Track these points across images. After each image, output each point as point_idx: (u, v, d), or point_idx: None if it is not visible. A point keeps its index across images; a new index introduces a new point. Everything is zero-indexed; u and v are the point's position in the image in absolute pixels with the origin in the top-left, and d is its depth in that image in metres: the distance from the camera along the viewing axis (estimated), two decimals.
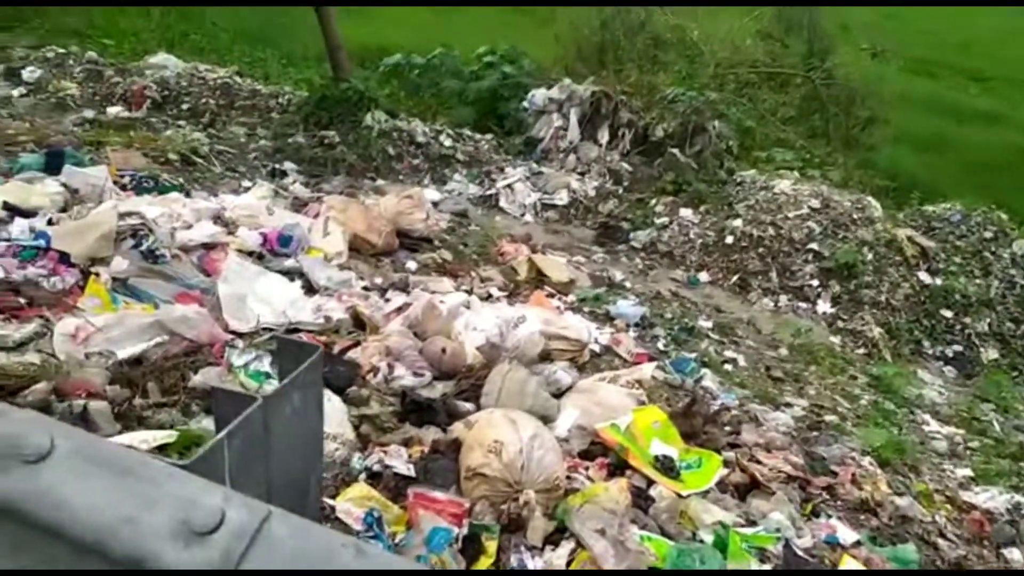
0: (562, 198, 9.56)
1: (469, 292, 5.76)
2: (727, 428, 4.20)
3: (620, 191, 9.97)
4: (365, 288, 5.12)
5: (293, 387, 1.25)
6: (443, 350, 3.85)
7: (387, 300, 4.80)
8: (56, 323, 3.35)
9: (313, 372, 1.32)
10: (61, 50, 12.35)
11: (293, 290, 4.34)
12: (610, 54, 15.00)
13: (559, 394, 3.92)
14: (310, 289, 4.79)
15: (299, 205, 6.86)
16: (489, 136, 10.79)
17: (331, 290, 4.75)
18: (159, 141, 7.70)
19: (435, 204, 8.49)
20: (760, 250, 8.28)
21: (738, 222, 8.58)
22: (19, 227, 3.97)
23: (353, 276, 5.19)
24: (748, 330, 7.04)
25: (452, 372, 3.84)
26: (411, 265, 6.12)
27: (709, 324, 6.75)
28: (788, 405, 5.44)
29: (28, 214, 4.30)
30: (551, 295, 6.26)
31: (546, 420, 3.61)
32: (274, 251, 5.13)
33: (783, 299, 7.95)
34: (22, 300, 3.47)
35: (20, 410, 0.75)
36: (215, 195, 6.51)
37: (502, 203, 9.35)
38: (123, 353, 3.16)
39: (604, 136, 10.70)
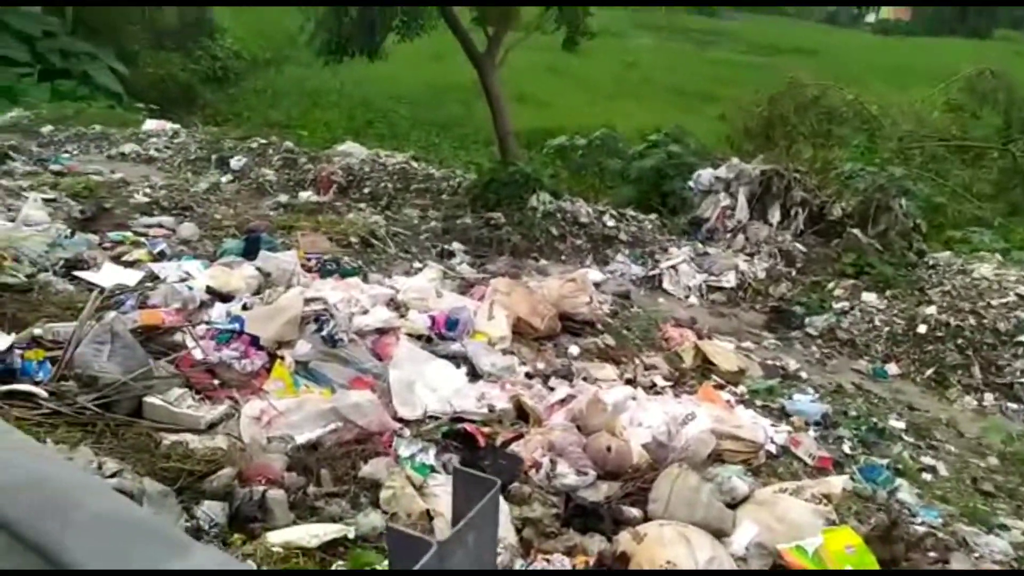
0: (729, 280, 9.16)
1: (633, 380, 5.58)
2: (932, 555, 3.67)
3: (793, 273, 9.43)
4: (528, 375, 5.08)
5: (469, 528, 1.16)
6: (608, 448, 3.68)
7: (550, 389, 4.72)
8: (244, 405, 3.54)
9: (490, 509, 1.23)
10: (263, 140, 13.69)
11: (458, 377, 4.37)
12: (779, 130, 14.54)
13: (734, 504, 3.60)
14: (474, 373, 4.82)
15: (466, 286, 7.04)
16: (653, 216, 10.67)
17: (494, 376, 4.75)
18: (342, 224, 8.23)
19: (597, 285, 8.41)
20: (959, 341, 7.44)
21: (932, 309, 7.80)
22: (218, 311, 4.32)
23: (516, 362, 5.17)
24: (948, 433, 6.26)
25: (617, 472, 3.66)
26: (574, 350, 6.03)
27: (902, 424, 6.07)
28: (1003, 527, 4.70)
29: (227, 298, 4.68)
30: (719, 386, 5.92)
31: (719, 534, 3.31)
32: (442, 334, 5.24)
33: (988, 397, 7.05)
34: (216, 381, 3.72)
35: None
36: (389, 276, 6.83)
37: (666, 284, 9.11)
38: (301, 438, 3.28)
39: (775, 215, 10.25)
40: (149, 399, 3.31)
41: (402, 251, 8.38)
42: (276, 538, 2.48)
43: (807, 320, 8.37)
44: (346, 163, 12.60)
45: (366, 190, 11.65)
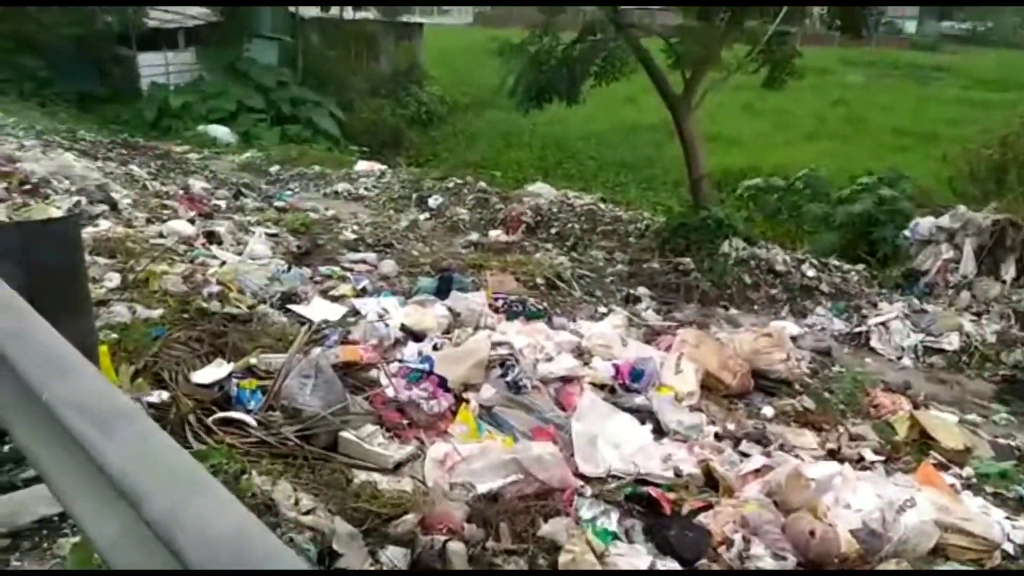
0: (951, 342, 8.15)
1: (836, 452, 5.06)
2: None
3: None
4: (717, 435, 4.76)
5: None
6: (811, 533, 3.30)
7: (742, 455, 4.38)
8: (429, 447, 3.59)
9: None
10: (459, 180, 14.33)
11: (643, 434, 4.17)
12: (1013, 175, 12.93)
13: None
14: (659, 430, 4.59)
15: (651, 335, 6.81)
16: (859, 266, 9.82)
17: (681, 435, 4.48)
18: (529, 265, 8.33)
19: (794, 339, 7.81)
20: None
21: None
22: (411, 350, 4.46)
23: (704, 420, 4.86)
24: None
25: (820, 561, 3.26)
26: (768, 411, 5.59)
27: None
28: None
29: (419, 336, 4.83)
30: (940, 466, 5.21)
31: None
32: (626, 385, 5.06)
33: None
34: (405, 420, 3.81)
35: None
36: (574, 320, 6.76)
37: (873, 343, 8.28)
38: (482, 487, 3.24)
39: (1009, 271, 9.06)
40: (344, 434, 3.45)
41: (587, 294, 8.30)
42: None
43: None
44: (535, 203, 12.84)
45: (553, 230, 11.78)
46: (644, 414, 4.67)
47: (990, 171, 13.57)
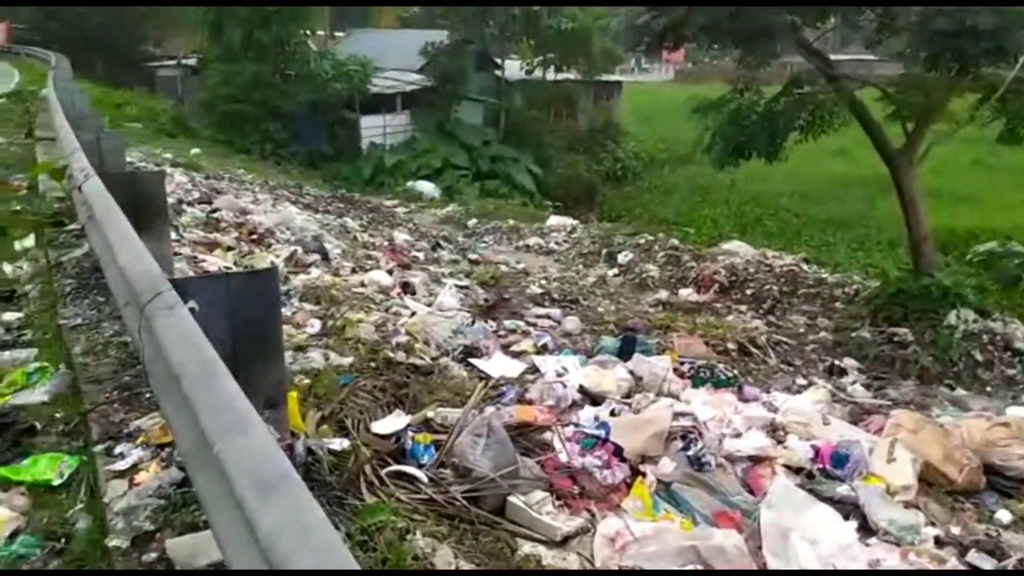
0: None
1: None
2: None
3: None
4: (937, 540, 4.07)
5: None
6: None
7: (970, 567, 3.70)
8: (600, 521, 3.37)
9: None
10: (650, 237, 14.07)
11: (846, 532, 3.65)
12: None
13: None
14: (865, 526, 4.02)
15: (859, 414, 6.10)
16: None
17: (892, 536, 3.89)
18: (720, 328, 7.87)
19: None
20: None
21: None
22: (587, 414, 4.29)
23: (922, 520, 4.19)
24: None
25: None
26: (1003, 515, 4.72)
27: None
28: None
29: (597, 399, 4.65)
30: None
31: None
32: (826, 471, 4.51)
33: None
34: (576, 489, 3.63)
35: None
36: (767, 391, 6.24)
37: None
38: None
39: None
40: (513, 499, 3.34)
41: (784, 362, 7.66)
42: None
43: None
44: (730, 262, 12.25)
45: (748, 291, 11.14)
46: (848, 507, 4.12)
47: None
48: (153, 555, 2.26)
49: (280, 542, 1.30)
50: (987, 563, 3.85)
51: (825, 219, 24.14)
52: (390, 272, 7.96)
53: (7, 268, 5.65)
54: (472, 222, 17.55)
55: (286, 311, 5.34)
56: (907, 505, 4.36)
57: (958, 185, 23.77)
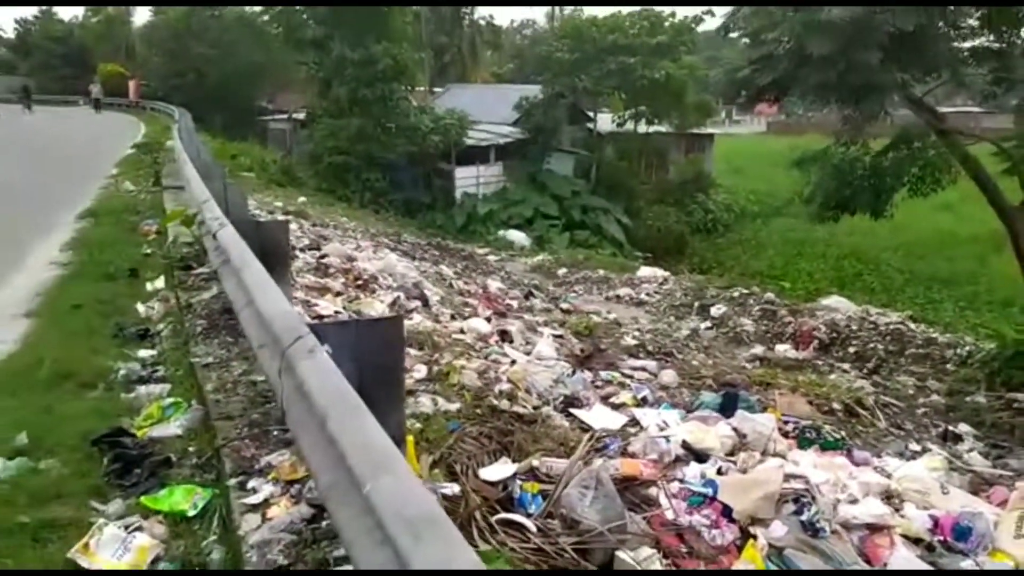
0: None
1: None
2: None
3: None
4: None
5: None
6: None
7: None
8: None
9: None
10: (744, 290, 13.80)
11: None
12: None
13: None
14: None
15: (979, 484, 5.74)
16: None
17: None
18: (824, 387, 7.60)
19: None
20: None
21: None
22: (692, 471, 4.22)
23: None
24: None
25: None
26: None
27: None
28: None
29: (700, 455, 4.57)
30: None
31: None
32: (947, 543, 4.26)
33: None
34: (684, 548, 3.57)
35: None
36: (879, 456, 5.97)
37: None
38: None
39: None
40: (621, 554, 3.31)
41: (894, 426, 7.31)
42: None
43: None
44: (830, 318, 11.85)
45: (851, 349, 10.73)
46: None
47: None
48: None
49: None
50: None
51: (930, 276, 23.09)
52: (488, 320, 8.11)
53: (140, 308, 6.10)
54: (562, 271, 17.67)
55: None
56: None
57: None
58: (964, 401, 8.23)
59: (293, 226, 12.53)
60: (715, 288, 14.37)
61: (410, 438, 3.31)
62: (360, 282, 8.38)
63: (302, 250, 9.22)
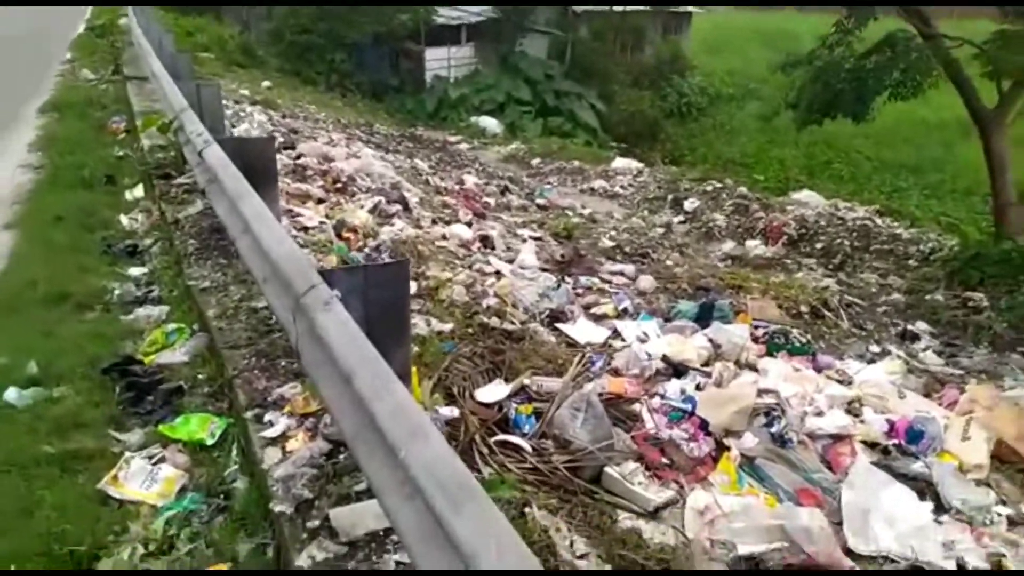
0: None
1: None
2: None
3: None
4: (1009, 520, 4.24)
5: None
6: None
7: None
8: (689, 494, 3.63)
9: None
10: (718, 184, 13.92)
11: (922, 513, 3.84)
12: None
13: None
14: (938, 503, 4.20)
15: (933, 383, 6.18)
16: None
17: (964, 516, 4.06)
18: (792, 289, 7.93)
19: None
20: None
21: None
22: (673, 388, 4.51)
23: (994, 499, 4.35)
24: None
25: None
26: None
27: None
28: None
29: (679, 370, 4.86)
30: None
31: None
32: (901, 446, 4.67)
33: None
34: (665, 461, 3.89)
35: None
36: (841, 358, 6.36)
37: None
38: (743, 550, 3.23)
39: None
40: (609, 470, 3.61)
41: (856, 326, 7.72)
42: None
43: None
44: (800, 214, 12.10)
45: (819, 245, 11.05)
46: (921, 484, 4.30)
47: None
48: (316, 522, 2.60)
49: (485, 557, 1.57)
50: None
51: (899, 164, 23.36)
52: (469, 224, 8.18)
53: (124, 220, 6.07)
54: (536, 161, 17.57)
55: None
56: (979, 483, 4.52)
57: None
58: (923, 299, 8.64)
59: (262, 118, 12.22)
60: (689, 181, 14.46)
61: (414, 369, 3.49)
62: (339, 185, 8.34)
63: (277, 150, 9.06)
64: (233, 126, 9.90)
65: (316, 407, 3.19)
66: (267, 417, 3.22)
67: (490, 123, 22.20)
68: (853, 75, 9.51)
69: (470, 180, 12.46)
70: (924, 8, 9.06)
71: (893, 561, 3.46)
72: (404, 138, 16.28)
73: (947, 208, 19.16)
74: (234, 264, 4.69)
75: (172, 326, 4.22)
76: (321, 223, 6.32)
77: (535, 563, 1.60)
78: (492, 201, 11.15)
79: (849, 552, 3.45)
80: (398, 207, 8.09)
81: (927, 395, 5.75)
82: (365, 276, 3.03)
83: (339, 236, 6.32)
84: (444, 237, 7.43)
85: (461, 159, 16.03)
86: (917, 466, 4.45)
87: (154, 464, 3.16)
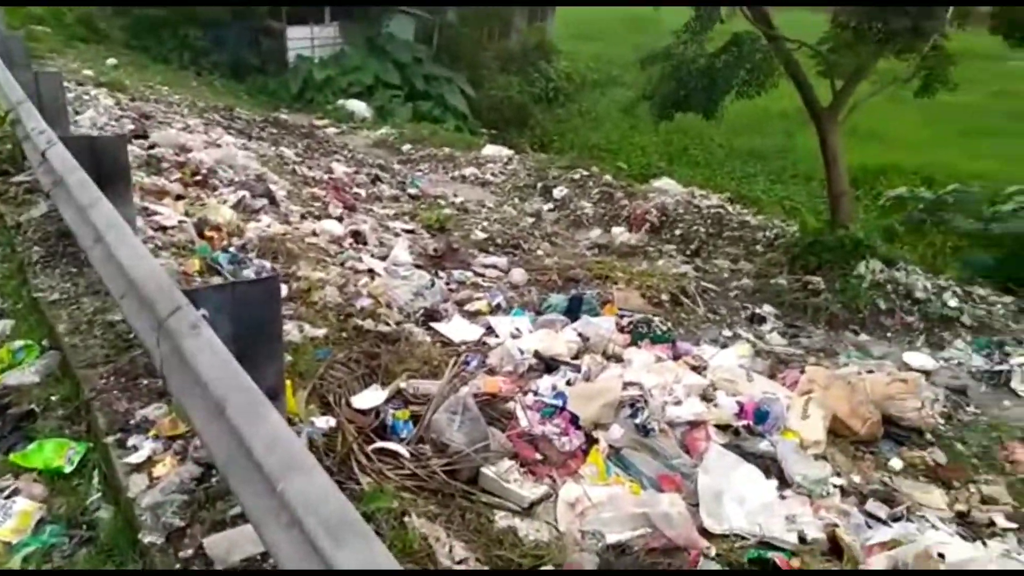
0: None
1: (966, 515, 4.94)
2: None
3: None
4: (842, 489, 4.75)
5: None
6: None
7: (868, 516, 4.39)
8: (561, 487, 3.83)
9: None
10: (585, 172, 14.39)
11: (767, 490, 4.24)
12: None
13: None
14: (782, 477, 4.64)
15: (777, 363, 6.76)
16: (1008, 299, 9.25)
17: (805, 489, 4.52)
18: (654, 278, 8.37)
19: (928, 374, 7.56)
20: None
21: None
22: (545, 384, 4.70)
23: (830, 472, 4.85)
24: None
25: None
26: (896, 463, 5.48)
27: None
28: None
29: (551, 365, 5.06)
30: None
31: None
32: (750, 427, 5.09)
33: None
34: (539, 456, 4.06)
35: None
36: (697, 343, 6.81)
37: (1015, 384, 7.81)
38: (611, 538, 3.46)
39: None
40: (485, 471, 3.74)
41: (711, 311, 8.28)
42: None
43: None
44: (660, 201, 12.72)
45: (677, 232, 11.68)
46: (767, 461, 4.72)
47: None
48: (189, 551, 2.55)
49: None
50: (882, 511, 4.54)
51: (747, 151, 24.91)
52: (339, 219, 8.05)
53: None
54: (407, 147, 17.41)
55: (248, 272, 5.47)
56: (817, 457, 5.02)
57: (872, 121, 24.75)
58: (769, 283, 9.38)
59: (109, 101, 11.39)
60: (557, 168, 14.83)
61: (288, 382, 3.45)
62: (198, 177, 7.95)
63: (128, 140, 8.49)
64: (77, 112, 9.19)
65: (184, 429, 3.10)
66: (131, 441, 3.09)
67: (359, 107, 21.69)
68: (704, 74, 10.11)
69: (339, 169, 12.20)
70: (766, 8, 9.73)
71: (744, 538, 3.80)
72: (268, 123, 15.62)
73: (790, 192, 20.68)
74: (86, 273, 4.40)
75: (19, 343, 3.92)
76: (181, 222, 6.03)
77: None
78: (363, 192, 10.99)
79: (705, 532, 3.77)
80: (264, 201, 7.83)
81: (772, 376, 6.29)
82: (233, 294, 2.97)
83: (201, 235, 6.07)
84: (314, 233, 7.28)
85: (329, 145, 15.61)
86: (763, 445, 4.88)
87: (6, 498, 2.97)
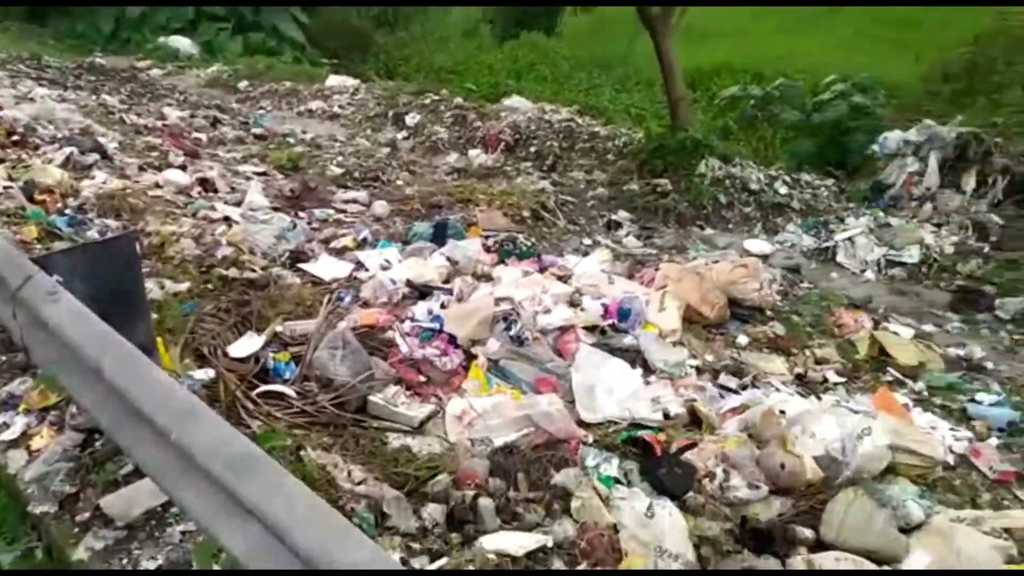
0: (912, 255, 8.68)
1: (803, 376, 5.61)
2: None
3: (986, 248, 8.79)
4: (698, 369, 5.26)
5: None
6: (781, 465, 3.85)
7: (721, 388, 4.91)
8: (447, 403, 4.04)
9: None
10: (435, 97, 14.26)
11: (634, 379, 4.64)
12: (983, 78, 13.18)
13: (907, 529, 3.69)
14: (647, 367, 5.08)
15: (635, 265, 7.22)
16: (829, 182, 10.23)
17: (666, 373, 4.98)
18: (514, 196, 8.59)
19: (766, 257, 8.34)
20: None
21: None
22: (420, 309, 4.84)
23: (686, 355, 5.35)
24: None
25: (790, 489, 3.83)
26: (742, 339, 6.10)
27: None
28: None
29: (423, 292, 5.19)
30: (896, 381, 5.83)
31: (891, 561, 3.45)
32: (615, 325, 5.49)
33: None
34: (422, 378, 4.24)
35: None
36: (561, 255, 7.15)
37: (840, 258, 8.78)
38: (499, 441, 3.71)
39: (970, 183, 9.53)
40: (373, 398, 3.87)
41: (571, 222, 8.64)
42: (489, 544, 2.94)
43: (998, 302, 7.82)
44: (513, 120, 12.87)
45: (532, 149, 11.91)
46: (632, 354, 5.14)
47: (962, 72, 13.74)
48: (86, 515, 2.55)
49: (280, 515, 1.74)
50: (732, 382, 5.10)
51: (591, 61, 25.31)
52: (183, 167, 7.64)
53: None
54: (243, 85, 16.49)
55: (92, 233, 5.19)
56: (675, 344, 5.52)
57: (707, 20, 25.66)
58: (622, 190, 9.84)
59: None
60: (407, 95, 14.59)
61: (159, 339, 3.40)
62: (15, 137, 7.28)
63: None
64: None
65: (56, 399, 3.01)
66: (2, 419, 2.98)
67: (183, 43, 20.11)
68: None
69: (173, 114, 11.44)
70: None
71: (615, 423, 4.19)
72: (83, 69, 14.26)
73: (635, 100, 21.34)
74: None
75: None
76: (6, 187, 5.57)
77: (324, 507, 1.81)
78: (203, 136, 10.40)
79: (582, 423, 4.12)
80: (95, 156, 7.30)
81: (631, 276, 6.74)
82: (87, 255, 2.88)
83: (31, 200, 5.64)
84: (157, 185, 6.91)
85: (157, 88, 14.51)
86: (628, 340, 5.30)
87: None
